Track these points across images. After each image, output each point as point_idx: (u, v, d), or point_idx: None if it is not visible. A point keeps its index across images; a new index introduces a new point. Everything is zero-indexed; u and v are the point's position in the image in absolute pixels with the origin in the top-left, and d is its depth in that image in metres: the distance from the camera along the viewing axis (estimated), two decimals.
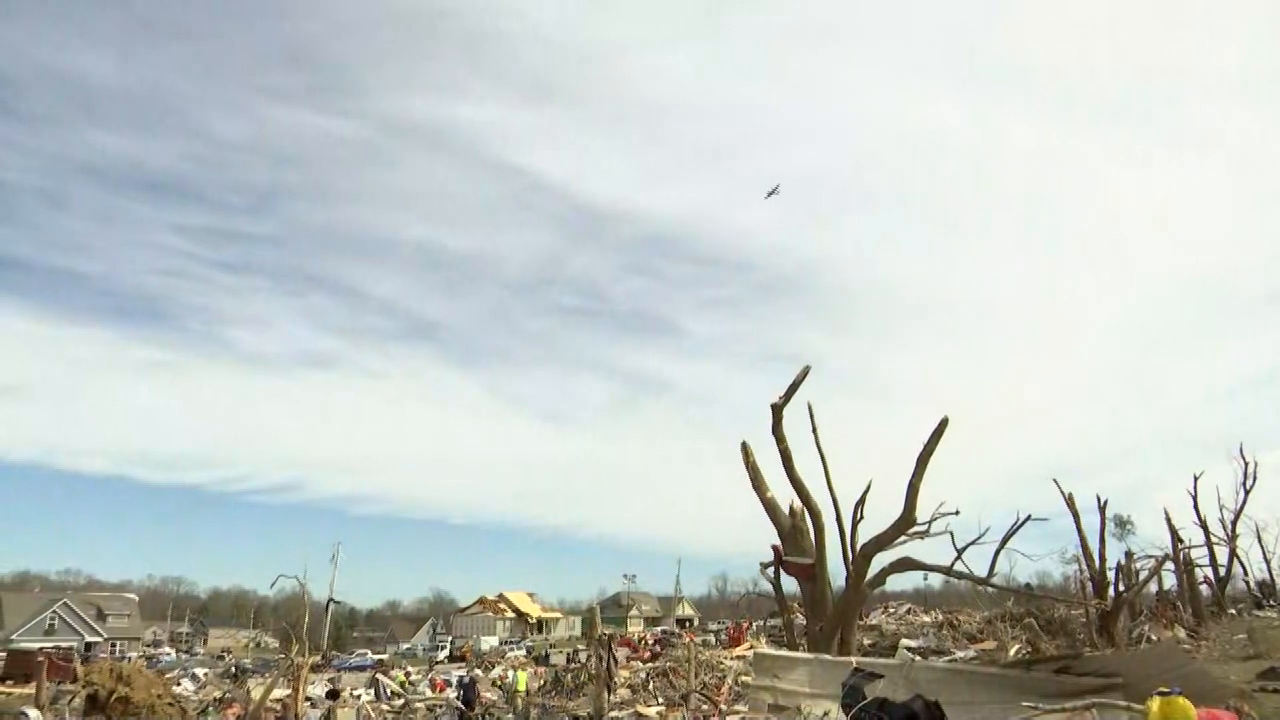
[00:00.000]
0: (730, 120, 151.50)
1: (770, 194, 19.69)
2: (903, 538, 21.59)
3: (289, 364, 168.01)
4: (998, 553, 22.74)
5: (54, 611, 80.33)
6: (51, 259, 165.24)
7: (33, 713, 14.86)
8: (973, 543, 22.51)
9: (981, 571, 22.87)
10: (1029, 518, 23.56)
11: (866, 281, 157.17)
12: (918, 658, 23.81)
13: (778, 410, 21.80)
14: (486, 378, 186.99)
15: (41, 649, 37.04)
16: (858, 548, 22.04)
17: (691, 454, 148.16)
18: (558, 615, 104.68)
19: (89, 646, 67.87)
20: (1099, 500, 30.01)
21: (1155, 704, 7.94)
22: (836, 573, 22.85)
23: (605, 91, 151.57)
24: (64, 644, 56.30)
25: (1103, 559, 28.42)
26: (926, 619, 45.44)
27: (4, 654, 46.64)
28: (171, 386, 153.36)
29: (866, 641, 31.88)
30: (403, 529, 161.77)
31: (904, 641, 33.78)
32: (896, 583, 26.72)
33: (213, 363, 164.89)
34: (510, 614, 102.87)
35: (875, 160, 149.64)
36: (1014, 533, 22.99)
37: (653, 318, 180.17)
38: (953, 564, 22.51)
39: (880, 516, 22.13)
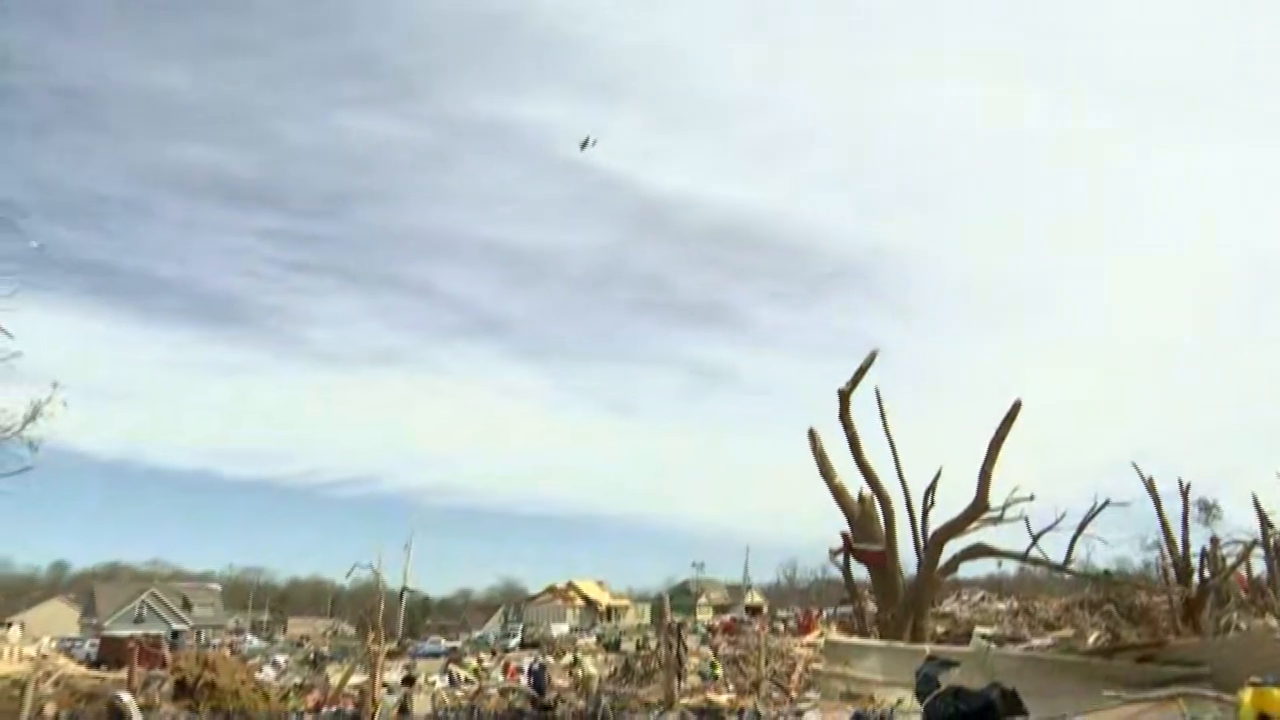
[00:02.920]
0: (795, 113, 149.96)
1: (584, 146, 19.21)
2: (975, 524, 21.25)
3: (362, 361, 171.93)
4: (1075, 538, 22.25)
5: (143, 600, 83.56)
6: (136, 264, 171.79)
7: (126, 696, 15.41)
8: (1048, 529, 22.08)
9: (1058, 558, 22.42)
10: (1107, 503, 23.00)
11: (934, 269, 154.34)
12: (993, 645, 23.36)
13: (845, 396, 21.57)
14: (553, 371, 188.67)
15: (132, 636, 38.44)
16: (929, 534, 21.74)
17: (758, 442, 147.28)
18: (626, 603, 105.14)
19: (176, 634, 70.17)
20: (1181, 484, 29.06)
21: (1248, 695, 7.63)
22: (907, 560, 22.60)
23: (669, 88, 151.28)
24: (152, 632, 58.38)
25: (1186, 545, 27.51)
26: (1001, 606, 44.63)
27: (98, 640, 48.61)
28: (251, 385, 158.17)
29: (939, 629, 31.43)
30: (473, 519, 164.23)
31: (978, 629, 33.22)
32: (969, 570, 26.29)
33: (289, 361, 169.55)
34: (580, 602, 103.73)
35: (943, 149, 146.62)
36: (1092, 518, 22.47)
37: (718, 308, 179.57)
38: (1028, 550, 22.09)
39: (952, 503, 21.82)
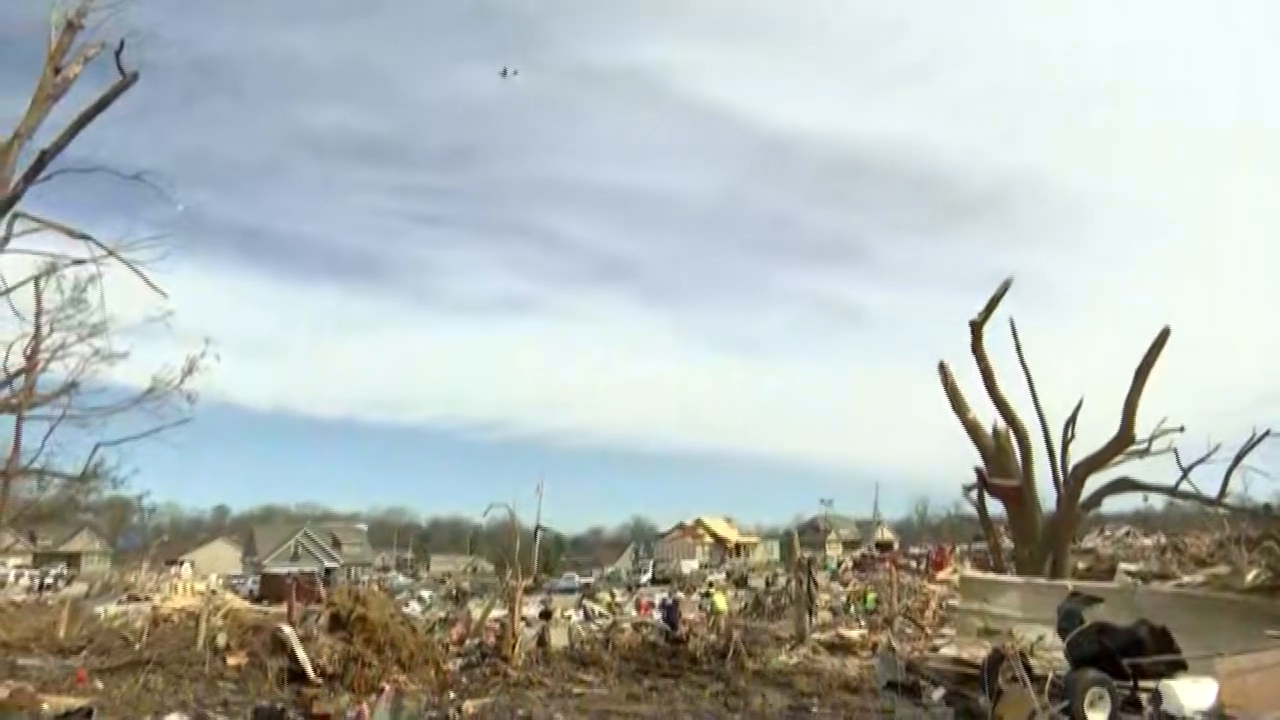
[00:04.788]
0: (922, 40, 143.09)
1: (504, 74, 18.22)
2: (1120, 457, 20.37)
3: (493, 309, 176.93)
4: (1230, 471, 21.02)
5: (297, 540, 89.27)
6: (278, 225, 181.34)
7: (287, 628, 16.44)
8: (1200, 461, 20.95)
9: (1211, 491, 21.31)
10: (1266, 433, 21.56)
11: (1075, 193, 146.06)
12: (1139, 582, 22.51)
13: (977, 327, 20.88)
14: (678, 312, 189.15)
15: (289, 573, 41.07)
16: (1069, 468, 20.98)
17: (886, 378, 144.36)
18: (754, 540, 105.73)
19: (328, 571, 74.53)
20: None
21: None
22: (1045, 495, 21.90)
23: (790, 20, 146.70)
24: (307, 569, 62.14)
25: None
26: (1147, 542, 42.82)
27: (258, 578, 52.19)
28: (389, 336, 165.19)
29: (1080, 565, 30.45)
30: (603, 460, 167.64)
31: (1122, 565, 32.02)
32: (1113, 504, 25.24)
33: (424, 312, 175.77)
34: (708, 539, 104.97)
35: (1079, 70, 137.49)
36: (1249, 449, 21.12)
37: (843, 244, 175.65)
38: (1178, 484, 21.07)
39: (1093, 436, 20.95)
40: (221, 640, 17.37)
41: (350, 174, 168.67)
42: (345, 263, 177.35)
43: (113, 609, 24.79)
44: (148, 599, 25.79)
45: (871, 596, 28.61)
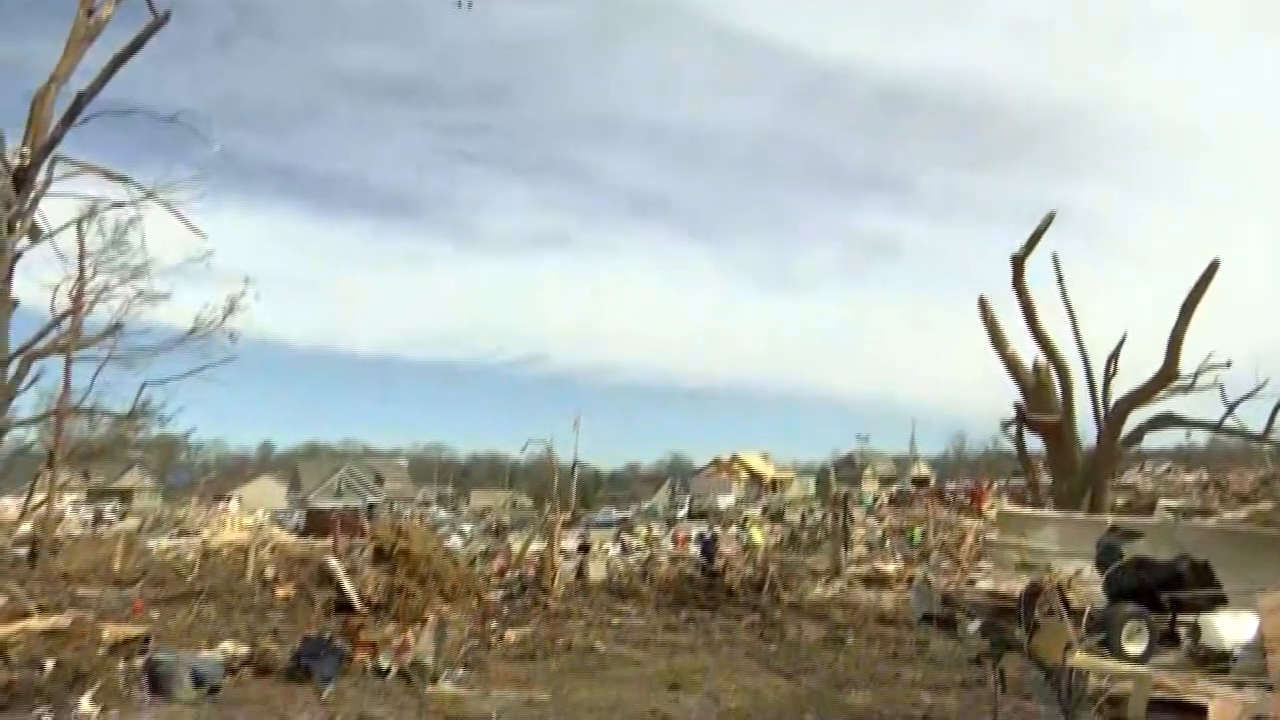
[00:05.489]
0: None
1: (460, 5, 17.65)
2: (1163, 392, 20.09)
3: (530, 245, 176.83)
4: (1278, 407, 20.70)
5: (340, 476, 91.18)
6: (315, 165, 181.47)
7: (333, 561, 16.83)
8: (1247, 397, 20.63)
9: (1257, 427, 21.01)
10: None
11: (1118, 127, 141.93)
12: (1180, 518, 22.36)
13: (1019, 262, 20.53)
14: (716, 247, 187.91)
15: (333, 508, 42.05)
16: (1110, 404, 20.74)
17: (925, 314, 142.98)
18: (790, 476, 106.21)
19: (371, 506, 76.14)
20: None
21: None
22: (1086, 430, 21.71)
23: None
24: (350, 504, 63.53)
25: None
26: (1189, 478, 42.40)
27: (303, 513, 53.48)
28: (427, 272, 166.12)
29: (1119, 501, 30.27)
30: (640, 395, 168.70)
31: (1162, 501, 31.79)
32: (1154, 440, 24.94)
33: (461, 248, 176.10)
34: (744, 474, 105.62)
35: None
36: None
37: (885, 178, 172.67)
38: (1222, 420, 20.79)
39: (1136, 371, 20.67)
40: (270, 573, 17.82)
41: (385, 113, 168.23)
42: (382, 201, 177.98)
43: (164, 543, 25.50)
44: (197, 534, 26.47)
45: (918, 531, 28.72)
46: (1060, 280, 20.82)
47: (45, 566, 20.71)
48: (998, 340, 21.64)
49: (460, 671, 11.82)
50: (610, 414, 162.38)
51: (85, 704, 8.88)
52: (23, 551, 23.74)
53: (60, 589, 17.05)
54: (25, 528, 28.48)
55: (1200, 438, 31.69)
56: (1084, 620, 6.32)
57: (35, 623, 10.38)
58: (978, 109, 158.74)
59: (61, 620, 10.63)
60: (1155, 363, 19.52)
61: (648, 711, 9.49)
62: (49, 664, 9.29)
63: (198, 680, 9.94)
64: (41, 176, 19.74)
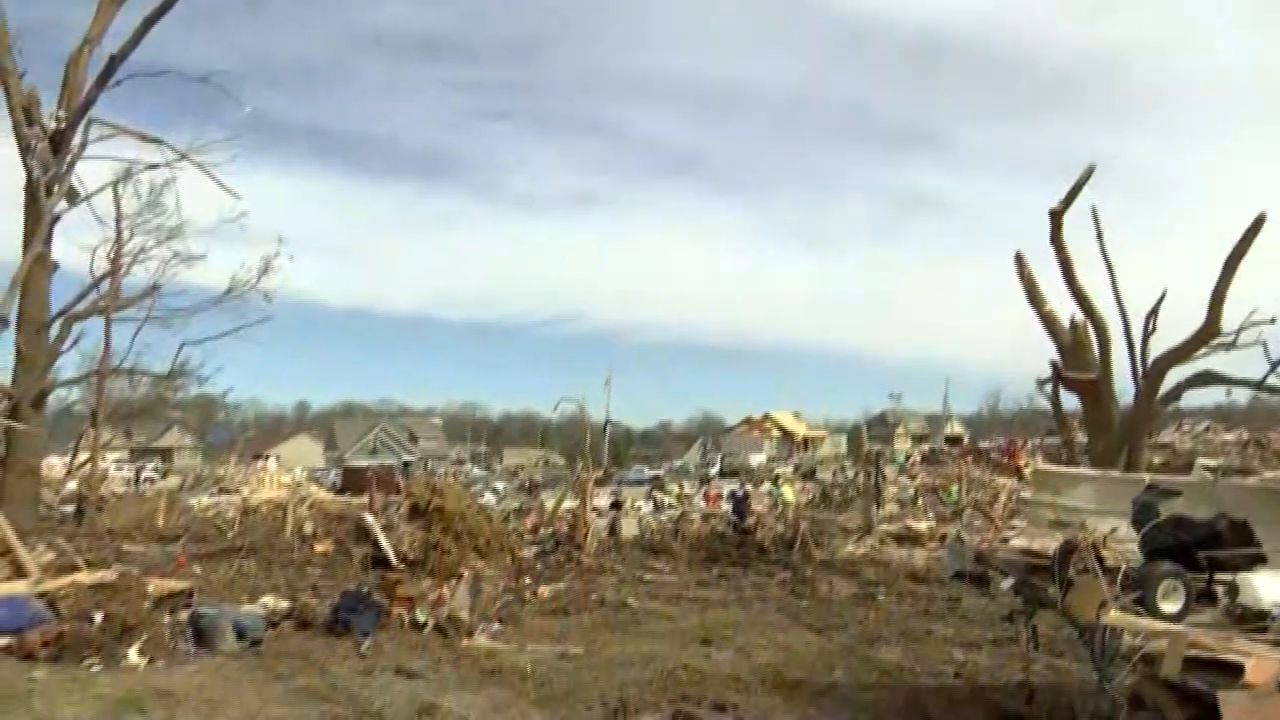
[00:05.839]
0: None
1: None
2: (1204, 349, 19.72)
3: (562, 204, 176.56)
4: None
5: (376, 435, 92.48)
6: (347, 125, 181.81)
7: (369, 518, 17.11)
8: None
9: None
10: None
11: (1160, 78, 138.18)
12: (1218, 476, 22.05)
13: (1057, 216, 20.15)
14: (749, 205, 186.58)
15: (369, 466, 42.61)
16: (1149, 361, 20.42)
17: (960, 271, 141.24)
18: (822, 434, 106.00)
19: (406, 464, 77.15)
20: None
21: None
22: (1123, 389, 21.42)
23: None
24: (386, 462, 64.38)
25: None
26: (1228, 437, 41.85)
27: (340, 470, 54.24)
28: (460, 232, 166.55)
29: (1156, 460, 29.94)
30: (672, 354, 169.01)
31: (1200, 460, 31.41)
32: (1193, 399, 24.51)
33: (494, 208, 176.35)
34: (776, 433, 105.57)
35: None
36: None
37: (920, 132, 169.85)
38: (1265, 377, 20.39)
39: (1176, 328, 20.29)
40: (308, 529, 18.18)
41: (415, 71, 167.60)
42: (415, 161, 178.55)
43: (205, 500, 26.02)
44: (237, 491, 26.97)
45: (955, 489, 28.63)
46: (1099, 235, 20.41)
47: (92, 523, 21.27)
48: (1034, 297, 21.31)
49: (495, 626, 12.02)
50: (642, 372, 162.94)
51: (133, 655, 9.14)
52: (70, 509, 24.41)
53: (106, 545, 17.51)
54: (71, 486, 29.23)
55: (1241, 396, 31.22)
56: (1119, 578, 6.26)
57: (84, 577, 10.65)
58: (1016, 59, 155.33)
59: (109, 575, 10.90)
60: (1196, 320, 19.14)
61: (680, 666, 9.59)
62: (98, 617, 9.54)
63: (240, 633, 10.19)
64: (77, 139, 19.93)
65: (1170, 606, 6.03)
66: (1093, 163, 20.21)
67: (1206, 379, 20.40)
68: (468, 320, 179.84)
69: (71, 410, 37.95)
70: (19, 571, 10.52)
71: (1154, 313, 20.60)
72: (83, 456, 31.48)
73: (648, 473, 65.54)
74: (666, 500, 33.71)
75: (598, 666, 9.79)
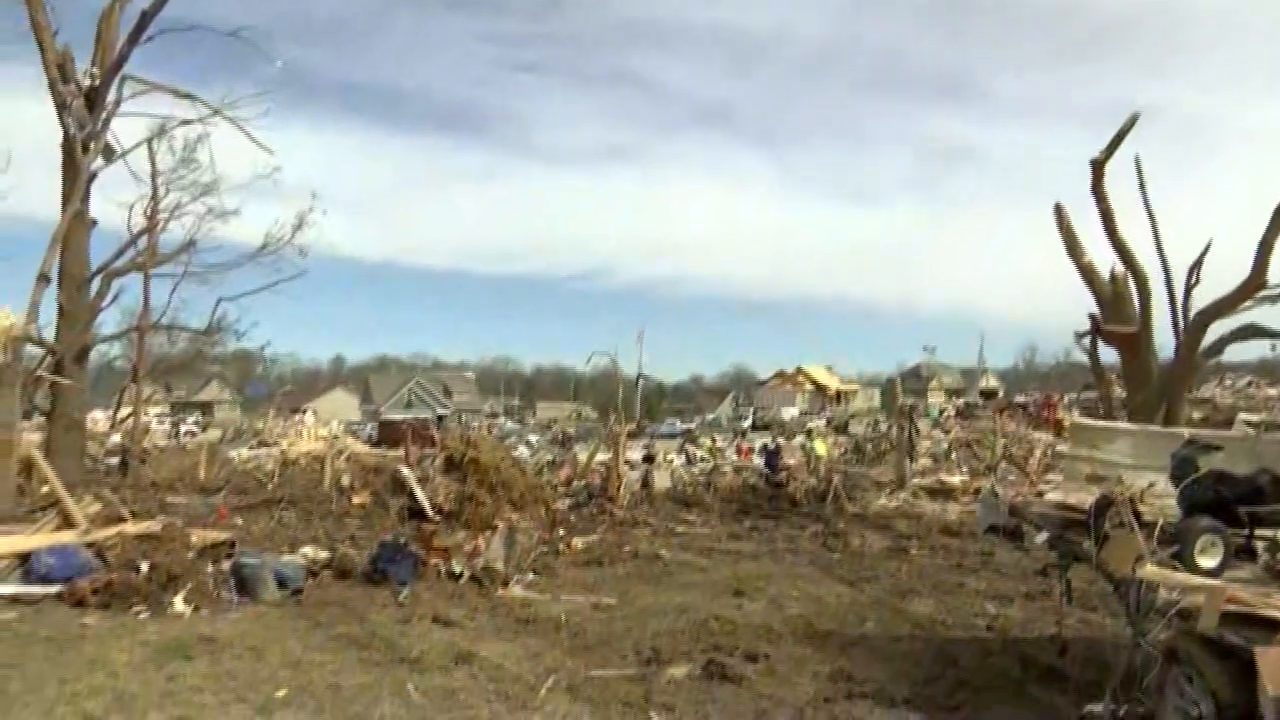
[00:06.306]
0: None
1: None
2: (1249, 302, 19.27)
3: (592, 158, 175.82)
4: None
5: (410, 389, 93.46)
6: (378, 80, 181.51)
7: (405, 470, 17.32)
8: None
9: None
10: None
11: (1205, 21, 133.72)
12: (1261, 430, 21.72)
13: (1099, 166, 19.65)
14: (781, 157, 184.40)
15: (404, 420, 43.12)
16: (1191, 314, 20.02)
17: (997, 224, 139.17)
18: (855, 388, 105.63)
19: (440, 418, 77.95)
20: None
21: None
22: (1163, 342, 21.03)
23: None
24: (421, 415, 65.09)
25: None
26: (1272, 392, 41.12)
27: (376, 424, 54.97)
28: (492, 186, 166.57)
29: (1196, 415, 29.48)
30: (704, 307, 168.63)
31: (1242, 415, 30.91)
32: (1236, 353, 24.00)
33: (525, 162, 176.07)
34: (809, 386, 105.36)
35: None
36: None
37: (956, 81, 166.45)
38: None
39: (1220, 280, 19.80)
40: (345, 481, 18.46)
41: (444, 24, 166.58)
42: (445, 115, 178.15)
43: (245, 453, 26.55)
44: (276, 444, 27.45)
45: (995, 440, 28.31)
46: (1142, 185, 19.88)
47: (136, 475, 21.79)
48: (1074, 249, 20.87)
49: (530, 576, 12.18)
50: (674, 326, 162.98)
51: (179, 603, 9.39)
52: (114, 461, 24.99)
53: (150, 496, 17.94)
54: (115, 439, 29.90)
55: None
56: (1156, 533, 6.19)
57: (130, 528, 10.92)
58: (1054, 3, 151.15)
59: (153, 525, 11.17)
60: (1241, 272, 18.68)
61: (712, 616, 9.68)
62: (144, 566, 9.78)
63: (281, 582, 10.41)
64: (112, 96, 20.06)
65: (1208, 562, 5.95)
66: (1137, 110, 19.63)
67: (1250, 333, 19.95)
68: (499, 274, 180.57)
69: (113, 365, 38.68)
70: (67, 522, 10.79)
71: (1198, 264, 20.12)
72: (125, 410, 32.16)
73: (680, 426, 65.79)
74: (699, 453, 33.82)
75: (630, 617, 9.90)
